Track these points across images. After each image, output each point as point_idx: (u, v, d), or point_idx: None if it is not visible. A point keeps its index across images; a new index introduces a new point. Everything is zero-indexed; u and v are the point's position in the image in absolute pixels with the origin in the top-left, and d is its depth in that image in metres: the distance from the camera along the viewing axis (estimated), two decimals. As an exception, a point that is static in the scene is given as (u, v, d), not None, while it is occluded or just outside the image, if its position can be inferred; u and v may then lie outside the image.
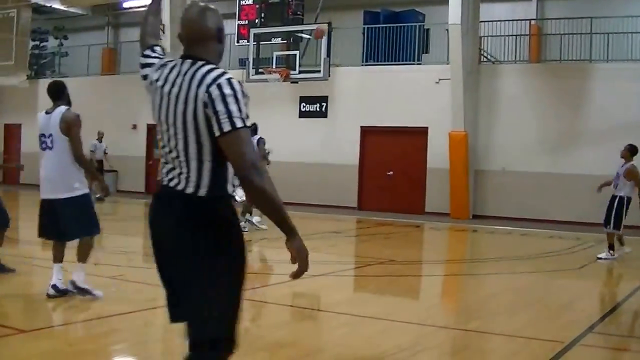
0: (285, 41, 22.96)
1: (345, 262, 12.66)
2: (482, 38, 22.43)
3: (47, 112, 7.69)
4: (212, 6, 3.61)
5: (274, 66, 22.28)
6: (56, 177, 7.58)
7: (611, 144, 19.10)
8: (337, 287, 9.98)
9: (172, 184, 3.47)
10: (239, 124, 3.28)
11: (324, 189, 22.90)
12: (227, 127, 3.28)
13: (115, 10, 31.38)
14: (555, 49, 22.36)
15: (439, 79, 21.56)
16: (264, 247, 15.00)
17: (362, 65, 23.64)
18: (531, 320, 7.89)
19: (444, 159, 21.10)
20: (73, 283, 7.74)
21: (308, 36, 22.74)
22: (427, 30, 23.79)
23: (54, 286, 7.69)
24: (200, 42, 3.54)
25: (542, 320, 7.93)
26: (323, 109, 23.40)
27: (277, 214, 3.30)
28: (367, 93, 22.78)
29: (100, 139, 23.54)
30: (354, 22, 24.67)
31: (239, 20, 24.33)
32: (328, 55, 21.85)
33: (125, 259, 11.85)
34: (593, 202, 19.37)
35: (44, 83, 30.14)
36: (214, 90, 3.31)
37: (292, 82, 22.50)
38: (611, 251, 12.89)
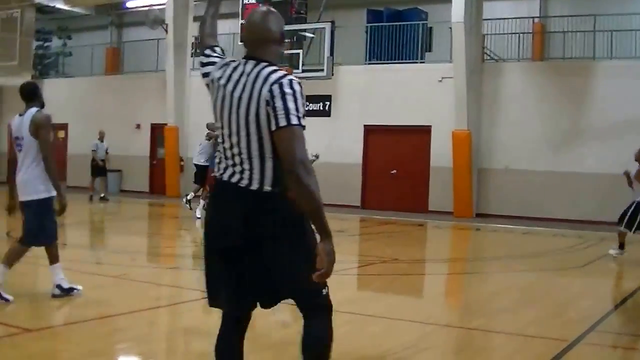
0: (288, 40, 22.94)
1: (348, 260, 12.67)
2: (486, 36, 22.41)
3: (20, 115, 7.56)
4: (274, 10, 3.78)
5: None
6: (25, 179, 7.48)
7: (614, 141, 19.16)
8: (340, 286, 9.97)
9: (234, 180, 3.63)
10: (294, 120, 3.47)
11: (327, 187, 22.70)
12: (282, 122, 3.46)
13: (119, 9, 31.39)
14: (559, 46, 22.34)
15: (442, 78, 21.56)
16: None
17: (365, 64, 23.64)
18: (534, 318, 7.90)
19: (447, 158, 21.11)
20: (59, 287, 7.73)
21: (311, 35, 22.74)
22: (430, 28, 23.78)
23: (59, 286, 7.71)
24: (263, 44, 3.70)
25: (545, 318, 7.94)
26: (326, 107, 23.41)
27: (316, 213, 3.45)
28: (370, 92, 22.78)
29: (101, 139, 23.57)
30: (357, 20, 24.67)
31: (242, 19, 24.28)
32: (331, 54, 21.84)
33: (129, 258, 11.86)
34: (596, 201, 19.51)
35: (48, 83, 30.43)
36: (275, 88, 3.49)
37: (295, 81, 22.46)
38: (620, 250, 12.80)
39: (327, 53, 21.93)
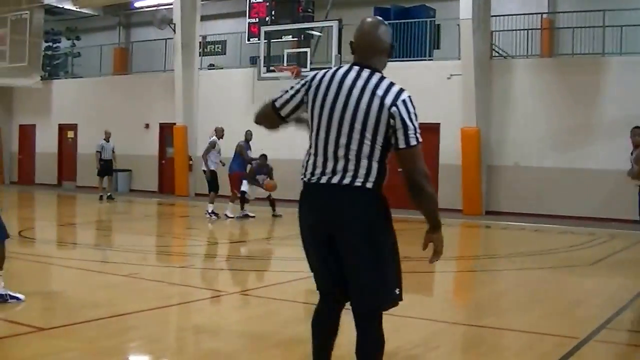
0: (296, 39, 22.97)
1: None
2: (494, 33, 22.35)
3: None
4: (384, 21, 4.08)
5: (285, 64, 22.28)
6: None
7: (625, 138, 18.99)
8: None
9: (335, 179, 3.89)
10: (419, 139, 3.88)
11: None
12: (412, 142, 3.85)
13: (126, 10, 31.48)
14: (568, 42, 22.27)
15: (451, 75, 21.50)
16: (276, 245, 15.05)
17: (373, 61, 23.56)
18: (544, 316, 7.87)
19: (456, 155, 21.07)
20: None
21: (319, 33, 22.76)
22: (438, 25, 23.74)
23: None
24: (377, 53, 3.97)
25: (555, 316, 7.91)
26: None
27: (433, 212, 4.02)
28: (378, 89, 22.70)
29: (107, 139, 23.64)
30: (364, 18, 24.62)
31: (249, 18, 24.33)
32: (339, 52, 21.84)
33: (139, 257, 11.90)
34: (606, 198, 19.44)
35: (57, 84, 30.54)
36: (401, 106, 3.82)
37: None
38: None
39: (335, 51, 21.94)
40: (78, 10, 30.51)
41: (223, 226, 17.38)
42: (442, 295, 9.99)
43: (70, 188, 29.49)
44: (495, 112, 21.32)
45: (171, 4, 25.90)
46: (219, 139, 18.38)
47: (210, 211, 18.07)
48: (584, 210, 19.67)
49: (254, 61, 24.42)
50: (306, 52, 22.38)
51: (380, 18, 4.14)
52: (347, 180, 3.85)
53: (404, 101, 3.82)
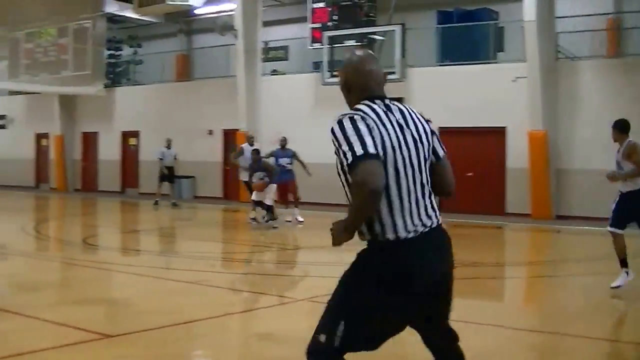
0: (358, 43, 22.93)
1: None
2: (559, 34, 22.04)
3: None
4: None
5: (348, 69, 22.20)
6: None
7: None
8: None
9: (432, 222, 3.68)
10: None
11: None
12: (442, 153, 3.92)
13: (187, 17, 31.74)
14: (634, 42, 21.88)
15: (516, 78, 21.23)
16: (341, 250, 15.00)
17: (437, 65, 23.46)
18: (619, 322, 7.75)
19: (523, 159, 20.81)
20: None
21: (382, 37, 22.70)
22: (502, 28, 23.52)
23: None
24: (384, 84, 3.88)
25: (631, 322, 7.76)
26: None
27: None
28: (442, 93, 22.54)
29: (168, 146, 23.89)
30: (427, 22, 24.51)
31: (311, 23, 24.39)
32: (403, 56, 21.78)
33: (204, 264, 11.96)
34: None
35: (120, 91, 30.94)
36: (431, 125, 3.91)
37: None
38: None
39: (398, 55, 21.90)
40: (139, 17, 30.84)
41: (289, 231, 17.43)
42: (512, 301, 9.93)
43: (133, 195, 29.84)
44: (563, 115, 20.99)
45: (232, 11, 26.05)
46: (250, 145, 18.56)
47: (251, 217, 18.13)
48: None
49: (316, 67, 24.46)
50: (369, 56, 22.32)
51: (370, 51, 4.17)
52: (435, 223, 3.74)
53: (428, 120, 4.00)
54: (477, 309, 8.75)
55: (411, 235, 3.56)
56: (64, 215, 24.23)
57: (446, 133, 22.53)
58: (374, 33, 23.01)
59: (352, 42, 22.96)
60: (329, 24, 23.74)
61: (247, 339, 7.19)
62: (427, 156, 3.74)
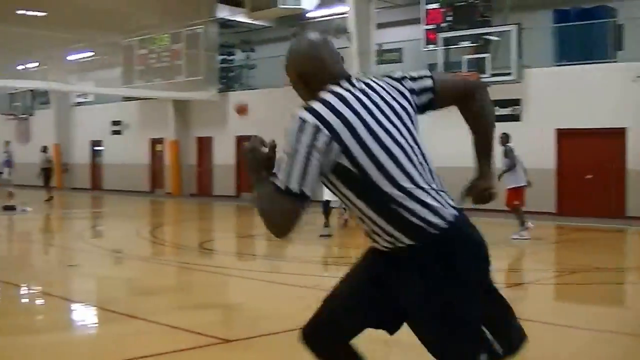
0: (474, 44, 22.71)
1: (547, 269, 12.47)
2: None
3: None
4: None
5: (464, 70, 22.03)
6: None
7: None
8: (540, 295, 9.88)
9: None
10: None
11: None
12: (429, 83, 3.52)
13: (300, 20, 32.01)
14: None
15: (637, 77, 20.66)
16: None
17: (554, 65, 22.99)
18: None
19: (646, 160, 20.23)
20: None
21: (497, 38, 22.44)
22: (620, 25, 22.89)
23: None
24: (342, 61, 3.40)
25: None
26: (516, 112, 22.78)
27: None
28: (560, 94, 22.08)
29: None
30: (543, 21, 24.06)
31: (425, 24, 24.29)
32: (519, 56, 21.46)
33: (321, 268, 11.97)
34: None
35: (233, 96, 31.42)
36: (406, 82, 3.45)
37: (482, 86, 22.21)
38: None
39: (514, 56, 21.60)
40: (252, 22, 31.31)
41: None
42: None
43: (248, 199, 30.23)
44: (688, 114, 20.31)
45: (345, 14, 26.17)
46: None
47: None
48: None
49: (431, 68, 24.33)
50: (485, 57, 22.11)
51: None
52: None
53: None
54: (602, 316, 8.53)
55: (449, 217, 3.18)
56: (179, 220, 24.64)
57: (564, 135, 22.18)
58: (489, 34, 22.74)
59: (466, 43, 22.78)
60: (443, 25, 23.59)
61: (368, 343, 7.19)
62: (414, 126, 3.32)
